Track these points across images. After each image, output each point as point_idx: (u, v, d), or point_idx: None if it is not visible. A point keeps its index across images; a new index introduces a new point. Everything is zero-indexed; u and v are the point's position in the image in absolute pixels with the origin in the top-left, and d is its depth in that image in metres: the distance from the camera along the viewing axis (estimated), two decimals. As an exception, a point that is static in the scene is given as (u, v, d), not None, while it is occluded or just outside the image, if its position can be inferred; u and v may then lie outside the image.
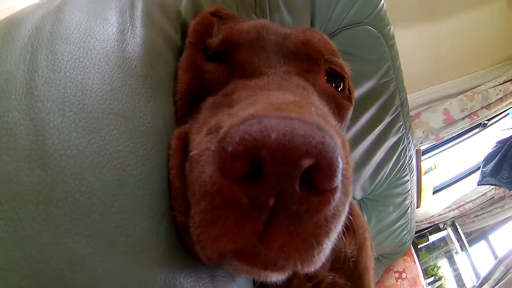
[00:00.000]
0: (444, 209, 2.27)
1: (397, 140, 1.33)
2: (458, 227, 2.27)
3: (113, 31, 0.37)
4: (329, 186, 0.25)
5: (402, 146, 1.37)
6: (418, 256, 2.24)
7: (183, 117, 0.41)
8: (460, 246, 2.22)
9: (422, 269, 2.18)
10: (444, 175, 2.52)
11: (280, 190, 0.24)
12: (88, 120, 0.29)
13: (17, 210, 0.23)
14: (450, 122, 2.00)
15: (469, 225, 2.30)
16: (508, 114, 2.20)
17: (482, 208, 2.22)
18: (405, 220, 1.66)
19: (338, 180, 0.25)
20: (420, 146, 2.09)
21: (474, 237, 2.37)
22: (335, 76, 0.48)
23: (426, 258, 2.28)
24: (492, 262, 1.98)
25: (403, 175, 1.47)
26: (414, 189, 1.63)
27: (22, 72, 0.29)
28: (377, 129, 1.21)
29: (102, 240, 0.26)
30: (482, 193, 2.16)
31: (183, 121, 0.40)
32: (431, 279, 2.20)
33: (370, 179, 1.37)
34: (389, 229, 1.61)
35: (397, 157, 1.37)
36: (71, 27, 0.34)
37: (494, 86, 2.02)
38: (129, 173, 0.30)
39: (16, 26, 0.33)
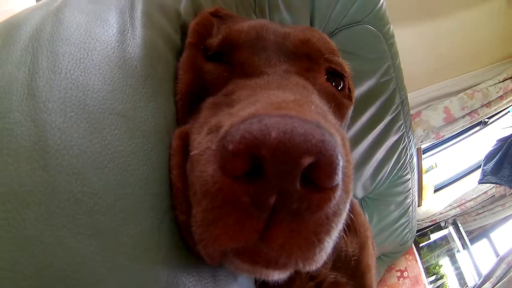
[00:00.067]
0: (445, 208, 2.27)
1: (397, 138, 1.33)
2: (459, 225, 2.27)
3: (113, 32, 0.37)
4: (329, 184, 0.25)
5: (403, 145, 1.37)
6: (419, 254, 2.24)
7: (183, 117, 0.41)
8: (462, 245, 2.22)
9: (423, 268, 2.18)
10: (445, 173, 2.52)
11: (281, 188, 0.24)
12: (89, 121, 0.29)
13: (20, 210, 0.23)
14: (450, 120, 2.00)
15: (471, 223, 2.30)
16: (509, 112, 2.20)
17: (483, 206, 2.22)
18: (406, 219, 1.66)
19: (339, 178, 0.25)
20: (420, 145, 2.09)
21: (475, 235, 2.36)
22: (335, 75, 0.48)
23: (428, 257, 2.27)
24: (493, 260, 1.97)
25: (404, 173, 1.47)
26: (415, 188, 1.63)
27: (23, 74, 0.29)
28: (377, 128, 1.21)
29: (104, 239, 0.26)
30: (483, 191, 2.16)
31: (183, 121, 0.40)
32: (433, 277, 2.20)
33: (371, 178, 1.37)
34: (391, 228, 1.61)
35: (397, 156, 1.37)
36: (71, 28, 0.34)
37: (494, 84, 2.01)
38: (130, 173, 0.30)
39: (16, 28, 0.33)
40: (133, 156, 0.31)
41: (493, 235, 2.31)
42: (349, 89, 0.51)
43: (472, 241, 2.27)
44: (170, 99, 0.41)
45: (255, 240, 0.26)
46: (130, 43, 0.38)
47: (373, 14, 1.02)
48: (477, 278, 2.03)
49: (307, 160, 0.23)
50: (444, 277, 2.19)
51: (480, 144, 2.33)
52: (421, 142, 2.05)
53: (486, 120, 2.19)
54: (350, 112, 0.53)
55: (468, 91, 2.01)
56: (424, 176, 2.26)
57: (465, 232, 2.25)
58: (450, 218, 2.31)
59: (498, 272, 1.82)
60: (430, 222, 2.36)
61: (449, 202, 2.26)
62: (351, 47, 1.02)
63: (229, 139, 0.24)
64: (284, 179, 0.24)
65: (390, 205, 1.52)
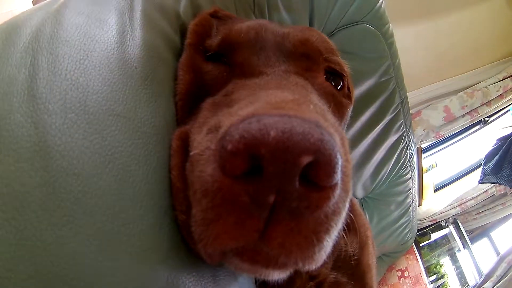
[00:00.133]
0: (445, 207, 2.27)
1: (397, 138, 1.33)
2: (460, 224, 2.27)
3: (113, 33, 0.37)
4: (328, 182, 0.25)
5: (403, 144, 1.37)
6: (420, 254, 2.24)
7: (183, 117, 0.41)
8: (462, 244, 2.22)
9: (424, 267, 2.18)
10: (445, 172, 2.52)
11: (280, 187, 0.24)
12: (89, 121, 0.29)
13: (20, 211, 0.23)
14: (450, 119, 2.00)
15: (471, 222, 2.30)
16: (509, 111, 2.20)
17: (483, 206, 2.22)
18: (407, 219, 1.66)
19: (338, 176, 0.25)
20: (420, 144, 2.09)
21: (476, 234, 2.36)
22: (334, 75, 0.48)
23: (429, 256, 2.28)
24: (494, 259, 1.97)
25: (404, 173, 1.47)
26: (416, 187, 1.63)
27: (23, 75, 0.29)
28: (377, 127, 1.21)
29: (104, 239, 0.26)
30: (483, 191, 2.16)
31: (183, 121, 0.40)
32: (434, 277, 2.20)
33: (371, 178, 1.37)
34: (391, 227, 1.61)
35: (398, 155, 1.37)
36: (71, 29, 0.34)
37: (494, 83, 2.02)
38: (130, 173, 0.30)
39: (16, 30, 0.33)
40: (133, 156, 0.31)
41: (493, 234, 2.31)
42: (349, 89, 0.51)
43: (473, 240, 2.27)
44: (170, 100, 0.41)
45: (254, 239, 0.26)
46: (130, 44, 0.38)
47: (372, 13, 1.02)
48: (477, 277, 2.03)
49: (306, 159, 0.23)
50: (445, 277, 2.19)
51: (480, 143, 2.33)
52: (421, 141, 2.05)
53: (486, 119, 2.19)
54: (349, 111, 0.53)
55: (468, 90, 2.01)
56: (425, 176, 2.26)
57: (465, 231, 2.26)
58: (450, 217, 2.31)
59: (499, 271, 1.82)
60: (430, 221, 2.36)
61: (449, 201, 2.27)
62: (350, 46, 1.02)
63: (228, 139, 0.24)
64: (283, 178, 0.24)
65: (391, 205, 1.52)
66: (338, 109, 0.48)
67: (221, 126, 0.29)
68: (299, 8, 0.84)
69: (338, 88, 0.49)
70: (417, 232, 2.06)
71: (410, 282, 2.15)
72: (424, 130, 2.02)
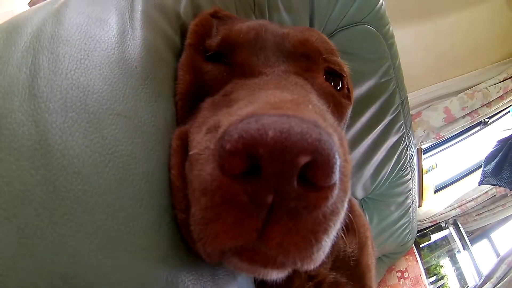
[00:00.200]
0: (445, 208, 2.27)
1: (397, 139, 1.33)
2: (460, 225, 2.27)
3: (113, 33, 0.37)
4: (326, 182, 0.25)
5: (403, 145, 1.37)
6: (420, 255, 2.24)
7: (183, 117, 0.41)
8: (462, 245, 2.22)
9: (424, 268, 2.18)
10: (446, 173, 2.52)
11: (279, 187, 0.24)
12: (90, 121, 0.29)
13: (21, 209, 0.24)
14: (450, 120, 2.00)
15: (471, 223, 2.29)
16: (509, 112, 2.20)
17: (483, 207, 2.22)
18: (407, 219, 1.66)
19: (336, 176, 0.25)
20: (421, 145, 2.09)
21: (476, 235, 2.36)
22: (334, 75, 0.49)
23: (428, 257, 2.27)
24: (494, 261, 1.97)
25: (404, 174, 1.47)
26: (416, 188, 1.63)
27: (24, 74, 0.29)
28: (377, 128, 1.21)
29: (104, 238, 0.26)
30: (483, 192, 2.16)
31: (183, 121, 0.40)
32: (433, 278, 2.20)
33: (371, 179, 1.37)
34: (391, 228, 1.61)
35: (398, 156, 1.37)
36: (71, 29, 0.35)
37: (494, 84, 2.01)
38: (130, 172, 0.30)
39: (17, 29, 0.33)
40: (133, 155, 0.31)
41: (493, 235, 2.31)
42: (348, 89, 0.52)
43: (473, 241, 2.27)
44: (170, 100, 0.41)
45: (253, 238, 0.26)
46: (130, 44, 0.38)
47: (372, 14, 1.02)
48: (477, 279, 2.03)
49: (304, 159, 0.23)
50: (445, 278, 2.19)
51: (481, 144, 2.33)
52: (421, 142, 2.05)
53: (487, 120, 2.19)
54: (349, 112, 0.53)
55: (468, 91, 2.01)
56: (425, 177, 2.26)
57: (465, 232, 2.25)
58: (450, 218, 2.31)
59: (499, 273, 1.82)
60: (430, 222, 2.36)
61: (449, 202, 2.26)
62: (351, 47, 1.02)
63: (227, 139, 0.24)
64: (281, 177, 0.24)
65: (391, 206, 1.52)
66: (338, 110, 0.48)
67: (220, 126, 0.29)
68: (299, 8, 0.84)
69: (338, 88, 0.49)
70: (417, 233, 2.06)
71: (410, 283, 2.15)
72: (424, 131, 2.02)
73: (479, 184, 2.07)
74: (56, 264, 0.23)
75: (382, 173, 1.37)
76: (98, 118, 0.30)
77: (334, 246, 0.47)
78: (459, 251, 2.22)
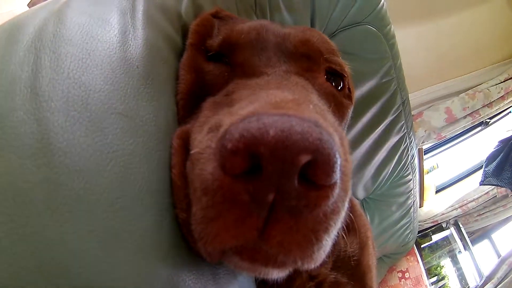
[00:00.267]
0: (446, 208, 2.26)
1: (399, 139, 1.33)
2: (461, 226, 2.26)
3: (115, 33, 0.37)
4: (327, 181, 0.25)
5: (404, 146, 1.37)
6: (421, 255, 2.23)
7: (184, 116, 0.41)
8: (463, 245, 2.21)
9: (425, 269, 2.18)
10: (447, 174, 2.51)
11: (279, 186, 0.24)
12: (91, 119, 0.29)
13: (23, 207, 0.24)
14: (452, 120, 2.00)
15: (472, 224, 2.29)
16: (510, 112, 2.20)
17: (485, 207, 2.21)
18: (408, 220, 1.66)
19: (337, 176, 0.25)
20: (422, 145, 2.09)
21: (477, 236, 2.36)
22: (335, 75, 0.49)
23: (429, 258, 2.27)
24: (495, 261, 1.97)
25: (405, 174, 1.47)
26: (417, 189, 1.62)
27: (26, 73, 0.29)
28: (378, 128, 1.21)
29: (106, 236, 0.26)
30: (484, 192, 2.15)
31: (184, 120, 0.41)
32: (434, 278, 2.19)
33: (372, 179, 1.37)
34: (392, 228, 1.61)
35: (399, 157, 1.37)
36: (73, 29, 0.35)
37: (496, 84, 2.01)
38: (132, 171, 0.30)
39: (19, 29, 0.34)
40: (135, 154, 0.31)
41: (494, 236, 2.30)
42: (349, 89, 0.52)
43: (474, 242, 2.27)
44: (171, 99, 0.41)
45: (254, 237, 0.26)
46: (132, 43, 0.38)
47: (373, 14, 1.02)
48: (478, 279, 2.03)
49: (304, 158, 0.24)
50: (446, 278, 2.18)
51: (482, 144, 2.32)
52: (422, 142, 2.05)
53: (488, 120, 2.18)
54: (350, 112, 0.53)
55: (470, 92, 2.01)
56: (426, 177, 2.26)
57: (466, 233, 2.25)
58: (451, 219, 2.30)
59: (500, 273, 1.82)
60: (431, 223, 2.35)
61: (450, 203, 2.26)
62: (352, 47, 1.02)
63: (228, 138, 0.24)
64: (282, 176, 0.24)
65: (392, 206, 1.52)
66: (339, 109, 0.48)
67: (221, 125, 0.29)
68: (300, 8, 0.84)
69: (339, 88, 0.49)
70: (418, 233, 2.06)
71: (411, 283, 2.15)
72: (425, 131, 2.01)
73: (480, 185, 2.07)
74: (56, 263, 0.24)
75: (383, 174, 1.37)
76: (99, 117, 0.30)
77: (335, 246, 0.47)
78: (460, 251, 2.22)
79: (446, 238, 2.32)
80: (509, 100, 2.04)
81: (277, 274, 0.32)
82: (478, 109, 2.00)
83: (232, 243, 0.27)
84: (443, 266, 2.23)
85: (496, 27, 1.97)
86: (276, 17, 0.78)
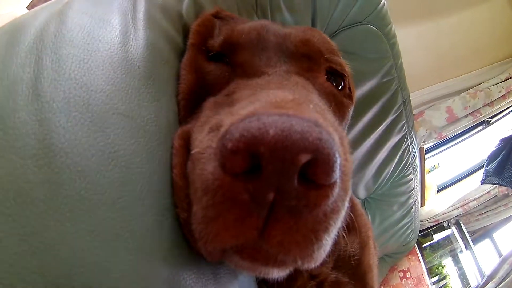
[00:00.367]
0: (448, 208, 2.26)
1: (400, 138, 1.33)
2: (462, 225, 2.26)
3: (116, 34, 0.38)
4: (327, 181, 0.25)
5: (405, 145, 1.37)
6: (422, 255, 2.23)
7: (185, 116, 0.41)
8: (465, 245, 2.21)
9: (426, 268, 2.18)
10: (448, 173, 2.51)
11: (279, 186, 0.25)
12: (93, 120, 0.29)
13: (24, 207, 0.24)
14: (453, 120, 1.99)
15: (473, 223, 2.29)
16: (511, 111, 2.19)
17: (486, 206, 2.21)
18: (409, 219, 1.66)
19: (336, 175, 0.25)
20: (423, 145, 2.09)
21: (478, 235, 2.36)
22: (335, 75, 0.49)
23: (431, 257, 2.27)
24: (496, 261, 1.97)
25: (406, 173, 1.47)
26: (418, 188, 1.62)
27: (28, 74, 0.29)
28: (379, 128, 1.21)
29: (107, 236, 0.26)
30: (486, 191, 2.15)
31: (185, 120, 0.41)
32: (436, 278, 2.19)
33: (373, 178, 1.37)
34: (393, 228, 1.61)
35: (400, 156, 1.37)
36: (75, 30, 0.35)
37: (497, 83, 2.01)
38: (133, 171, 0.30)
39: (20, 30, 0.34)
40: (136, 154, 0.31)
41: (496, 235, 2.30)
42: (350, 89, 0.52)
43: (475, 241, 2.27)
44: (172, 99, 0.41)
45: (254, 237, 0.27)
46: (133, 44, 0.38)
47: (374, 14, 1.02)
48: (479, 279, 2.03)
49: (304, 158, 0.24)
50: (447, 278, 2.18)
51: (483, 143, 2.32)
52: (423, 142, 2.05)
53: (489, 119, 2.18)
54: (350, 111, 0.53)
55: (471, 91, 2.01)
56: (427, 176, 2.26)
57: (468, 232, 2.25)
58: (453, 218, 2.30)
59: (501, 273, 1.82)
60: (433, 222, 2.35)
61: (452, 202, 2.26)
62: (353, 47, 1.02)
63: (229, 138, 0.25)
64: (282, 176, 0.24)
65: (393, 206, 1.52)
66: (339, 109, 0.48)
67: (222, 125, 0.29)
68: (301, 8, 0.84)
69: (339, 88, 0.49)
70: (420, 233, 2.06)
71: (412, 283, 2.15)
72: (426, 130, 2.01)
73: (481, 183, 2.07)
74: (58, 262, 0.24)
75: (384, 173, 1.37)
76: (101, 117, 0.30)
77: (336, 245, 0.47)
78: (461, 251, 2.22)
79: (447, 238, 2.32)
80: (510, 99, 2.03)
81: (277, 274, 0.32)
82: (479, 108, 2.00)
83: (232, 243, 0.27)
84: (444, 265, 2.24)
85: (496, 26, 1.97)
86: (277, 17, 0.78)
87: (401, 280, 2.17)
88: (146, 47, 0.39)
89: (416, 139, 1.45)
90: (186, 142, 0.36)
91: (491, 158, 2.03)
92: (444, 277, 2.19)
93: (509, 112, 2.21)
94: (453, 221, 2.31)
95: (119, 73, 0.34)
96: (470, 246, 2.19)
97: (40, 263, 0.23)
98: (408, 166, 1.46)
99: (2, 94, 0.28)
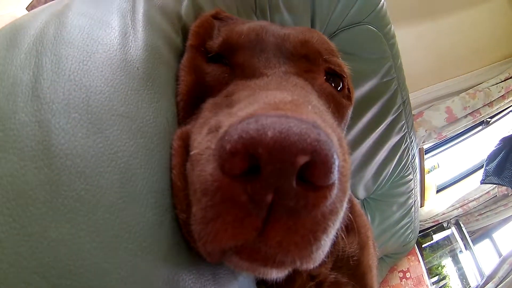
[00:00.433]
0: (447, 208, 2.26)
1: (399, 139, 1.33)
2: (462, 225, 2.26)
3: (115, 35, 0.38)
4: (325, 182, 0.25)
5: (405, 145, 1.37)
6: (422, 255, 2.23)
7: (184, 117, 0.41)
8: (464, 245, 2.21)
9: (426, 268, 2.18)
10: (448, 173, 2.51)
11: (278, 186, 0.25)
12: (92, 121, 0.29)
13: (24, 207, 0.24)
14: (452, 120, 1.99)
15: (473, 223, 2.29)
16: (511, 111, 2.19)
17: (485, 207, 2.21)
18: (408, 219, 1.66)
19: (335, 176, 0.26)
20: (423, 145, 2.09)
21: (478, 235, 2.35)
22: (334, 76, 0.49)
23: (430, 257, 2.27)
24: (496, 261, 1.97)
25: (406, 174, 1.47)
26: (418, 188, 1.63)
27: (28, 76, 0.29)
28: (379, 128, 1.21)
29: (106, 236, 0.27)
30: (485, 191, 2.15)
31: (184, 121, 0.41)
32: (436, 278, 2.19)
33: (373, 179, 1.37)
34: (393, 228, 1.61)
35: (399, 156, 1.37)
36: (74, 31, 0.35)
37: (496, 84, 2.01)
38: (132, 172, 0.30)
39: (20, 31, 0.34)
40: (135, 155, 0.31)
41: (495, 235, 2.30)
42: (349, 90, 0.52)
43: (475, 241, 2.27)
44: (171, 100, 0.41)
45: (253, 237, 0.27)
46: (132, 45, 0.38)
47: (373, 14, 1.02)
48: (479, 279, 2.03)
49: (302, 159, 0.24)
50: (447, 278, 2.18)
51: (483, 143, 2.32)
52: (423, 142, 2.05)
53: (488, 119, 2.18)
54: (349, 112, 0.53)
55: (470, 91, 2.01)
56: (427, 177, 2.26)
57: (467, 232, 2.25)
58: (452, 218, 2.30)
59: (501, 273, 1.82)
60: (432, 222, 2.35)
61: (451, 202, 2.26)
62: (352, 47, 1.02)
63: (228, 139, 0.25)
64: (280, 177, 0.24)
65: (392, 206, 1.52)
66: (338, 110, 0.49)
67: (221, 127, 0.29)
68: (300, 9, 0.85)
69: (338, 89, 0.49)
70: (419, 233, 2.06)
71: (412, 283, 2.15)
72: (426, 131, 2.01)
73: (481, 183, 2.07)
74: (58, 262, 0.24)
75: (384, 173, 1.37)
76: (100, 119, 0.30)
77: (335, 246, 0.47)
78: (461, 251, 2.22)
79: (447, 238, 2.32)
80: (509, 99, 2.03)
81: (276, 274, 0.32)
82: (479, 108, 2.00)
83: (231, 243, 0.28)
84: (444, 265, 2.23)
85: (496, 26, 1.97)
86: (276, 17, 0.78)
87: (401, 281, 2.16)
88: (145, 49, 0.39)
89: (415, 139, 1.45)
90: (185, 143, 0.36)
91: (491, 158, 2.03)
92: (444, 277, 2.19)
93: (508, 112, 2.21)
94: (452, 221, 2.31)
95: (118, 74, 0.34)
96: (470, 246, 2.19)
97: (40, 263, 0.23)
98: (408, 166, 1.46)
99: (1, 95, 0.28)
